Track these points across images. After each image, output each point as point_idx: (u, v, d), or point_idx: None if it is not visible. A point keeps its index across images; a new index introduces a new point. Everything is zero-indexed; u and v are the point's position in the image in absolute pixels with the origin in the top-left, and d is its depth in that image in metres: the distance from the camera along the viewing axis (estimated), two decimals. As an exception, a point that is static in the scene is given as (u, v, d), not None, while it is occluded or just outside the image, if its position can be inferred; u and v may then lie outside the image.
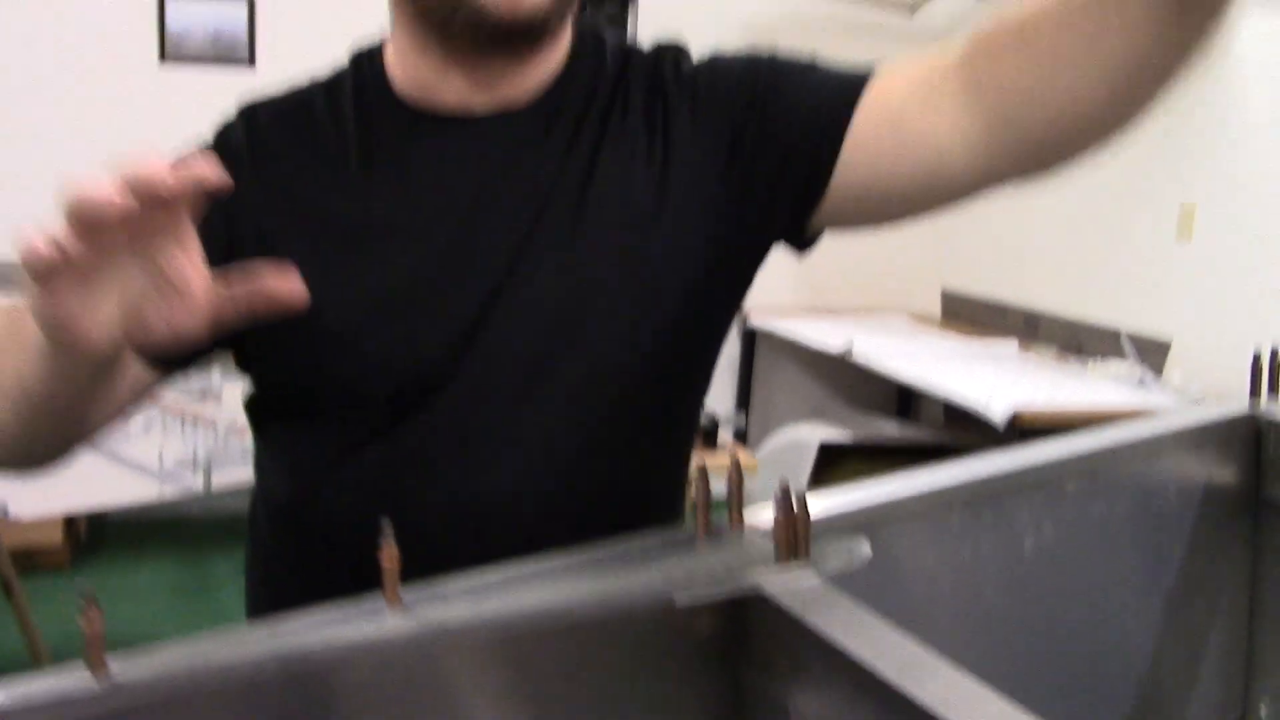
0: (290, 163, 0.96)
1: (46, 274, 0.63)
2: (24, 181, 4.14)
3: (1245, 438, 1.03)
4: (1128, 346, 3.71)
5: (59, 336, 0.68)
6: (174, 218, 0.65)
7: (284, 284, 0.69)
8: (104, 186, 0.61)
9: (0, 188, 4.14)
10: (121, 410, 0.93)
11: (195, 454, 2.18)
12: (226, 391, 2.57)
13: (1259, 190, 3.36)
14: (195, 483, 2.14)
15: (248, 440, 2.37)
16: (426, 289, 0.93)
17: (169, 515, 4.04)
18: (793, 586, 0.70)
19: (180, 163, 0.63)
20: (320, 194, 0.95)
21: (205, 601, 3.67)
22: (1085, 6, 0.81)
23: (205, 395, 2.62)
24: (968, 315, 4.62)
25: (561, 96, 0.98)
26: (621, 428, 0.97)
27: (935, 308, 4.85)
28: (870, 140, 0.92)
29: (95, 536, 4.06)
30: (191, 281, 0.67)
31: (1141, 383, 3.55)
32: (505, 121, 0.96)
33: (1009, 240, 4.42)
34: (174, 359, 0.94)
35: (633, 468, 1.00)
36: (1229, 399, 3.11)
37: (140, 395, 0.94)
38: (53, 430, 0.86)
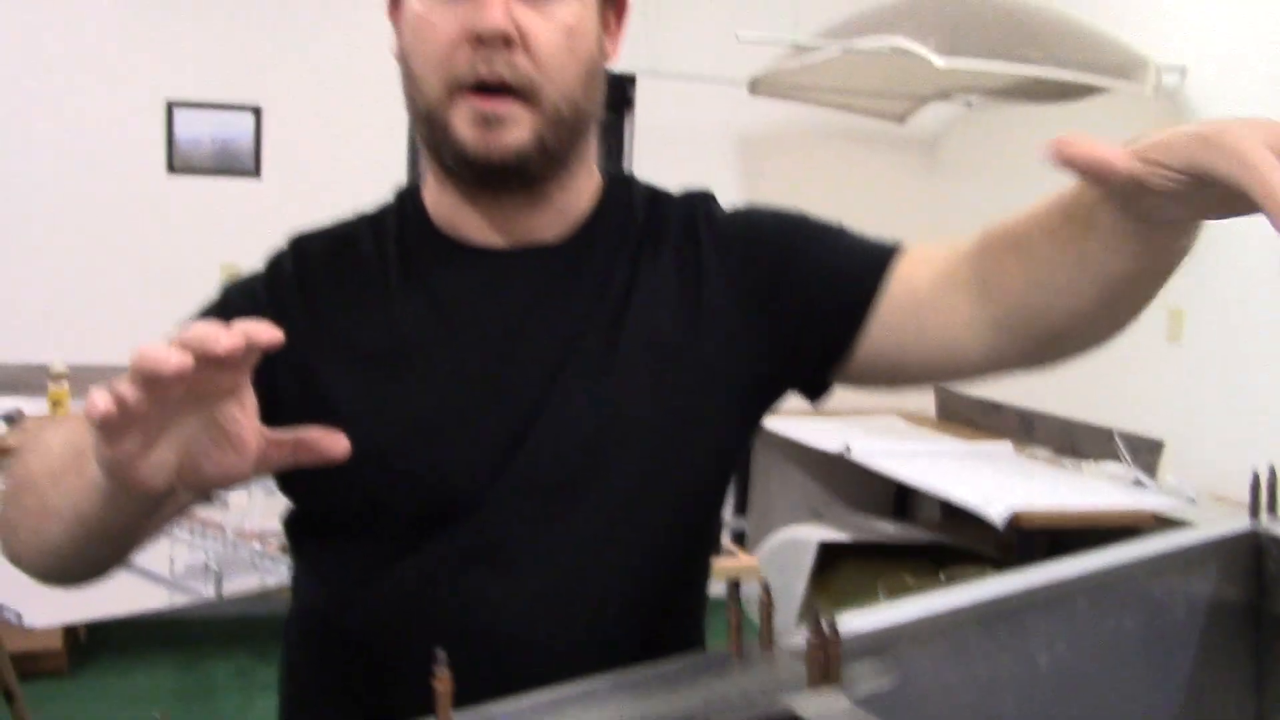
0: (334, 291, 1.03)
1: (109, 429, 0.69)
2: (36, 285, 4.22)
3: (1247, 554, 1.07)
4: (1121, 447, 3.75)
5: (117, 478, 0.73)
6: (233, 377, 0.71)
7: (328, 439, 0.75)
8: (166, 349, 0.66)
9: (13, 290, 4.21)
10: (161, 530, 0.98)
11: (206, 561, 2.20)
12: (233, 499, 2.60)
13: (1245, 293, 3.43)
14: (206, 590, 2.16)
15: (255, 546, 2.39)
16: (459, 414, 0.98)
17: (167, 618, 4.04)
18: (826, 711, 0.74)
19: (237, 327, 0.68)
20: (360, 320, 1.01)
21: (206, 706, 3.65)
22: (1067, 223, 0.88)
23: (213, 502, 2.65)
24: (962, 415, 4.67)
25: (592, 236, 1.05)
26: (646, 550, 1.02)
27: (930, 408, 4.90)
28: (891, 321, 1.00)
29: (95, 639, 4.05)
30: (245, 433, 0.73)
31: (1137, 483, 3.59)
32: (536, 256, 1.03)
33: (1002, 341, 4.48)
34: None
35: (656, 588, 1.04)
36: (1223, 500, 3.13)
37: (179, 515, 0.99)
38: (101, 551, 0.91)
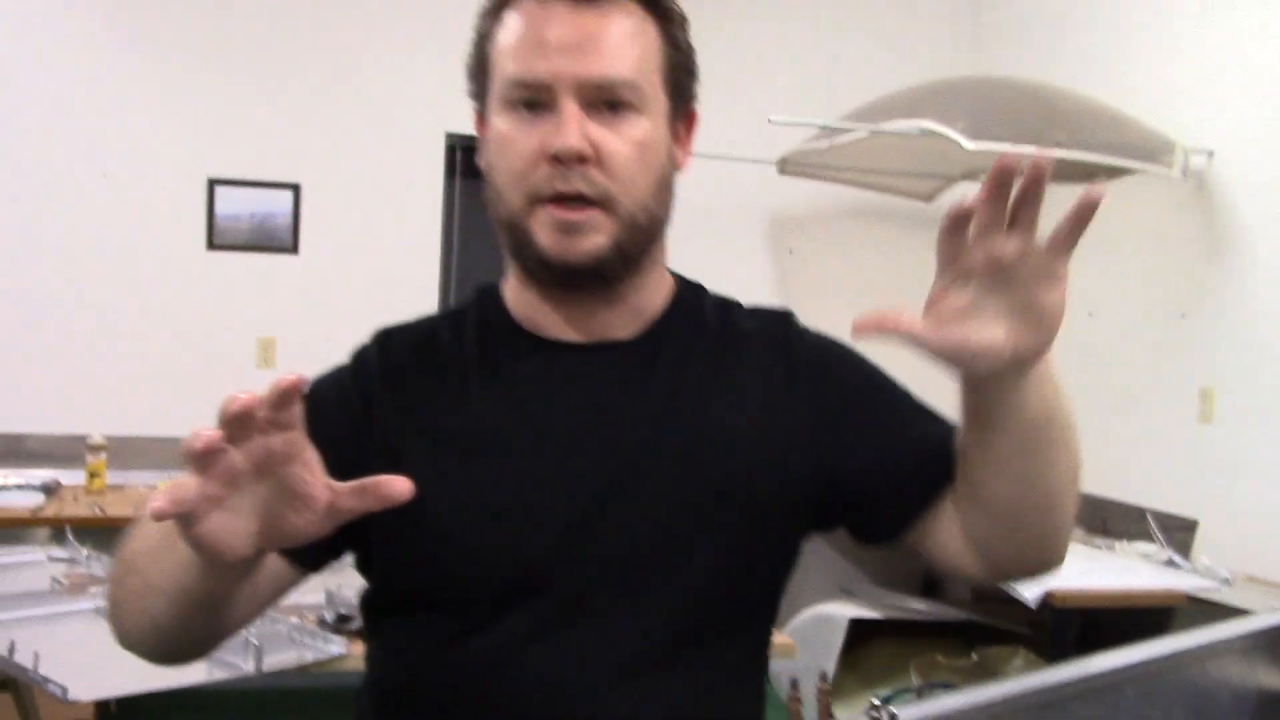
0: (417, 381, 1.09)
1: (203, 461, 0.75)
2: (76, 358, 4.28)
3: (1294, 644, 1.08)
4: (1154, 526, 3.74)
5: (204, 554, 0.80)
6: (287, 439, 0.78)
7: (391, 483, 0.80)
8: (197, 432, 0.75)
9: (54, 362, 4.28)
10: (264, 605, 1.04)
11: (246, 636, 2.22)
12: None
13: (1276, 373, 3.44)
14: (245, 665, 2.17)
15: (294, 621, 2.40)
16: (535, 498, 1.03)
17: (201, 690, 4.03)
18: (888, 798, 0.75)
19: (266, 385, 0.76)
20: (442, 409, 1.07)
21: (236, 781, 3.64)
22: (967, 420, 1.02)
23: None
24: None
25: (664, 334, 1.11)
26: (709, 635, 1.06)
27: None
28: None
29: (125, 710, 4.04)
30: (312, 489, 0.80)
31: (1169, 563, 3.58)
32: (611, 351, 1.09)
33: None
34: (309, 558, 1.04)
35: (721, 673, 1.08)
36: (1257, 581, 3.11)
37: (281, 592, 1.05)
38: (204, 625, 0.96)
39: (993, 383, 0.95)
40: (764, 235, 4.90)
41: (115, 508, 3.75)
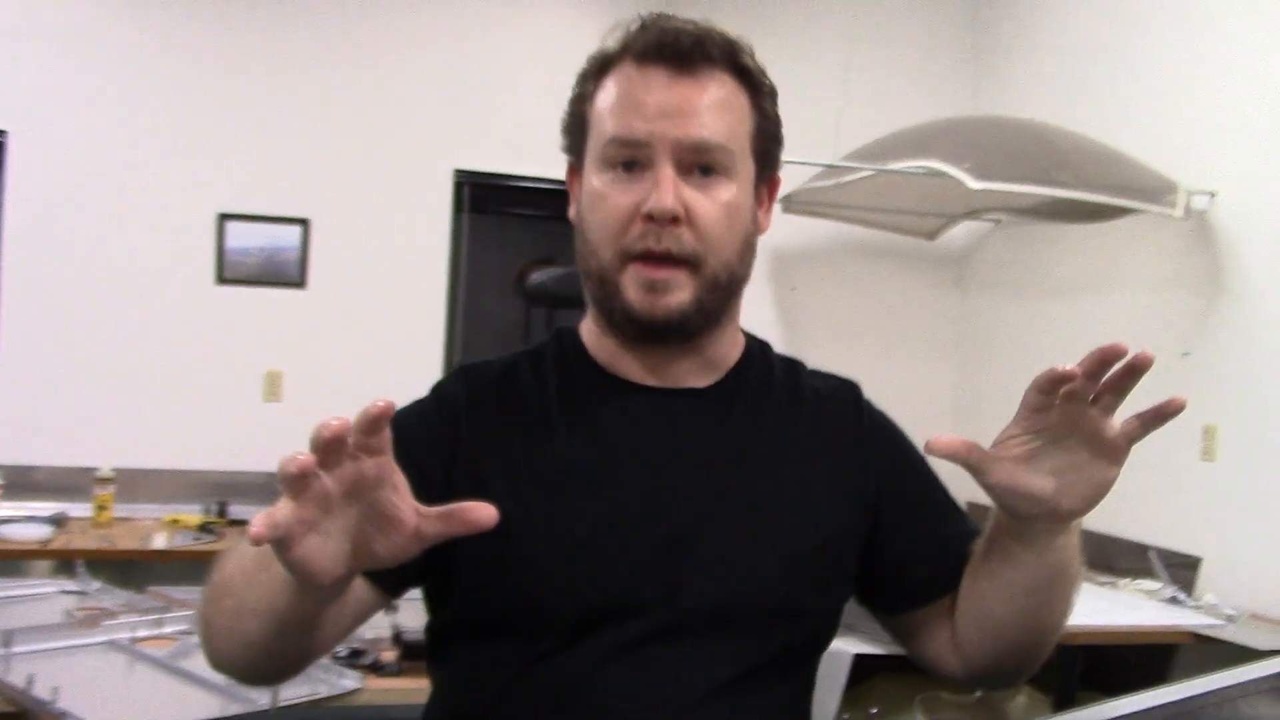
0: (500, 417, 1.13)
1: (297, 485, 0.78)
2: (85, 390, 4.30)
3: (1320, 684, 1.11)
4: (1157, 564, 3.76)
5: (299, 575, 0.83)
6: (377, 465, 0.81)
7: (477, 509, 0.84)
8: (293, 456, 0.78)
9: (63, 395, 4.29)
10: (351, 628, 1.07)
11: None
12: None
13: (1274, 413, 3.47)
14: (261, 699, 2.18)
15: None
16: (619, 531, 1.08)
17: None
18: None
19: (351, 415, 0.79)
20: (525, 444, 1.11)
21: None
22: (985, 550, 1.11)
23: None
24: (995, 528, 4.67)
25: (738, 385, 1.18)
26: (776, 668, 1.12)
27: (962, 520, 4.91)
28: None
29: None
30: (401, 512, 0.83)
31: (1173, 600, 3.59)
32: (688, 397, 1.15)
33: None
34: (393, 583, 1.07)
35: (781, 702, 1.14)
36: (1262, 619, 3.13)
37: (365, 615, 1.08)
38: (296, 644, 0.99)
39: (1025, 525, 1.05)
40: (766, 272, 4.93)
41: (123, 540, 3.75)
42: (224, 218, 4.42)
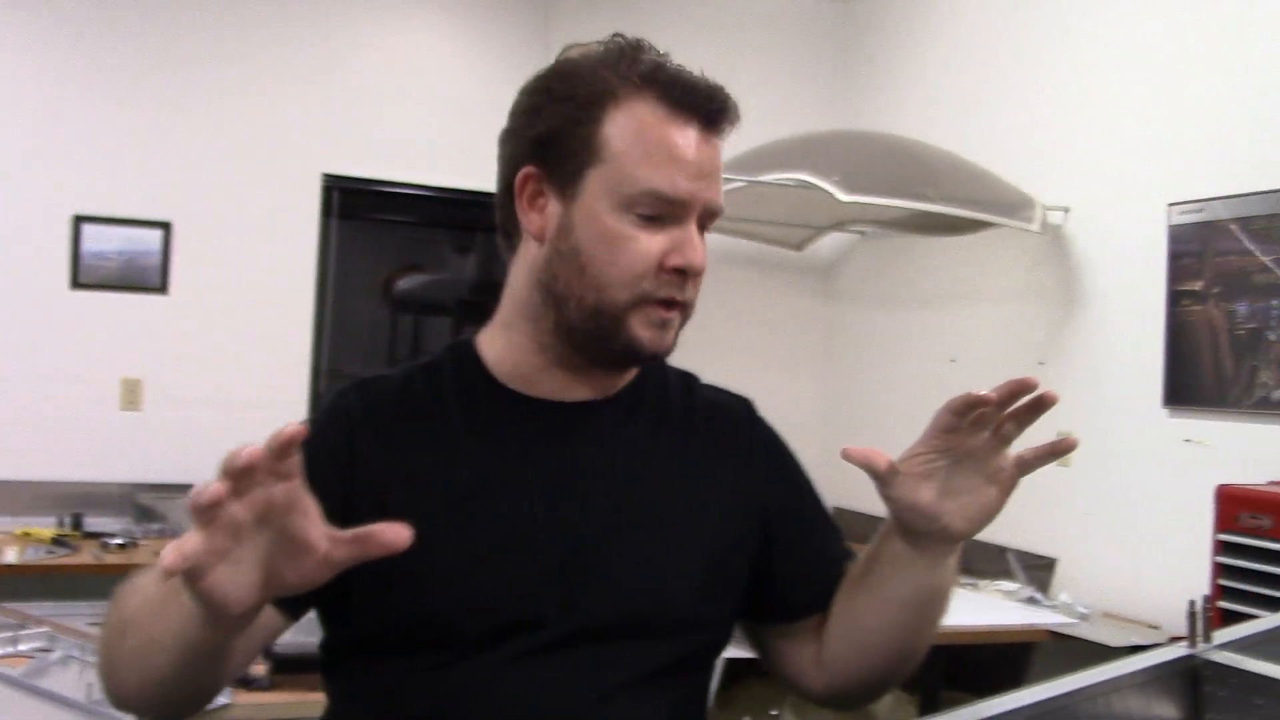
0: (399, 432, 1.13)
1: (208, 515, 0.78)
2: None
3: (1185, 677, 1.17)
4: (1015, 565, 3.90)
5: (211, 606, 0.82)
6: (286, 490, 0.81)
7: (390, 530, 0.84)
8: (205, 486, 0.78)
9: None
10: (255, 654, 1.07)
11: (98, 657, 2.16)
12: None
13: (1126, 421, 3.63)
14: (122, 716, 2.11)
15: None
16: (525, 545, 1.09)
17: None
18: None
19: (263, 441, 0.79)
20: (425, 458, 1.11)
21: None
22: (868, 562, 1.17)
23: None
24: (860, 534, 4.78)
25: (637, 397, 1.20)
26: (679, 670, 1.15)
27: (828, 525, 5.01)
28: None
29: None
30: (312, 537, 0.83)
31: (1030, 600, 3.73)
32: (591, 409, 1.16)
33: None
34: (296, 606, 1.07)
35: (682, 703, 1.16)
36: (1113, 616, 3.26)
37: (269, 639, 1.08)
38: (205, 675, 0.98)
39: (913, 542, 1.11)
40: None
41: (-28, 555, 3.60)
42: (80, 220, 4.26)
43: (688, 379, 1.27)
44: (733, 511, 1.20)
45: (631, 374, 1.20)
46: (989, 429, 1.05)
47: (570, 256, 1.10)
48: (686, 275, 1.10)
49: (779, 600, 1.24)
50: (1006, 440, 1.06)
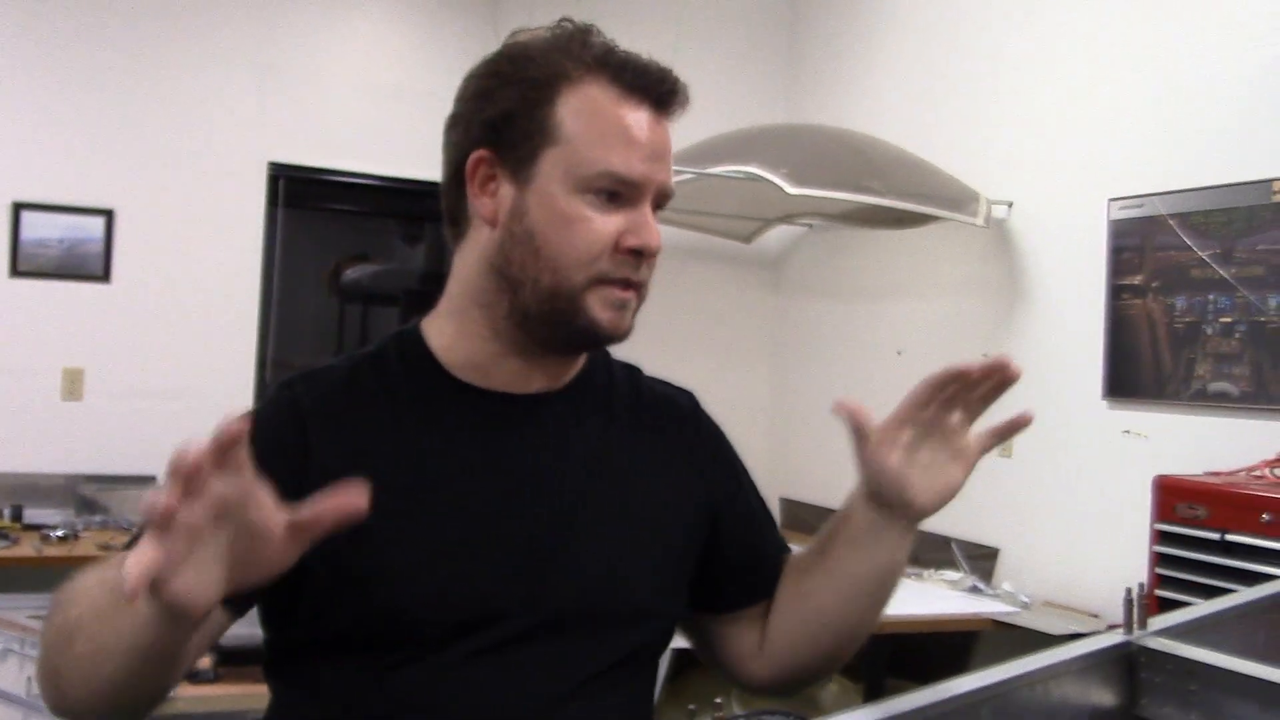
0: (350, 423, 1.11)
1: (164, 523, 0.77)
2: None
3: (1122, 664, 1.19)
4: (958, 554, 3.95)
5: (175, 611, 0.82)
6: (239, 483, 0.81)
7: (346, 498, 0.84)
8: (158, 493, 0.77)
9: None
10: (201, 653, 1.05)
11: (38, 665, 2.14)
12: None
13: (1068, 414, 3.69)
14: (65, 714, 2.09)
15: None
16: (481, 538, 1.09)
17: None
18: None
19: (206, 440, 0.78)
20: (377, 451, 1.10)
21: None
22: (829, 538, 1.20)
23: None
24: (808, 524, 4.82)
25: (586, 387, 1.20)
26: (634, 663, 1.16)
27: (776, 517, 5.05)
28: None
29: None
30: (271, 525, 0.83)
31: (974, 589, 3.78)
32: (542, 401, 1.16)
33: (848, 453, 4.66)
34: (241, 602, 1.04)
35: (638, 694, 1.18)
36: (1053, 605, 3.31)
37: (216, 637, 1.06)
38: (155, 679, 0.96)
39: (877, 515, 1.16)
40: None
41: (-93, 548, 3.54)
42: (19, 207, 4.19)
43: (631, 371, 1.28)
44: (682, 504, 1.21)
45: (579, 365, 1.20)
46: (958, 407, 1.10)
47: (525, 239, 1.10)
48: (643, 256, 1.10)
49: (722, 589, 1.25)
50: (972, 418, 1.11)
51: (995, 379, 1.08)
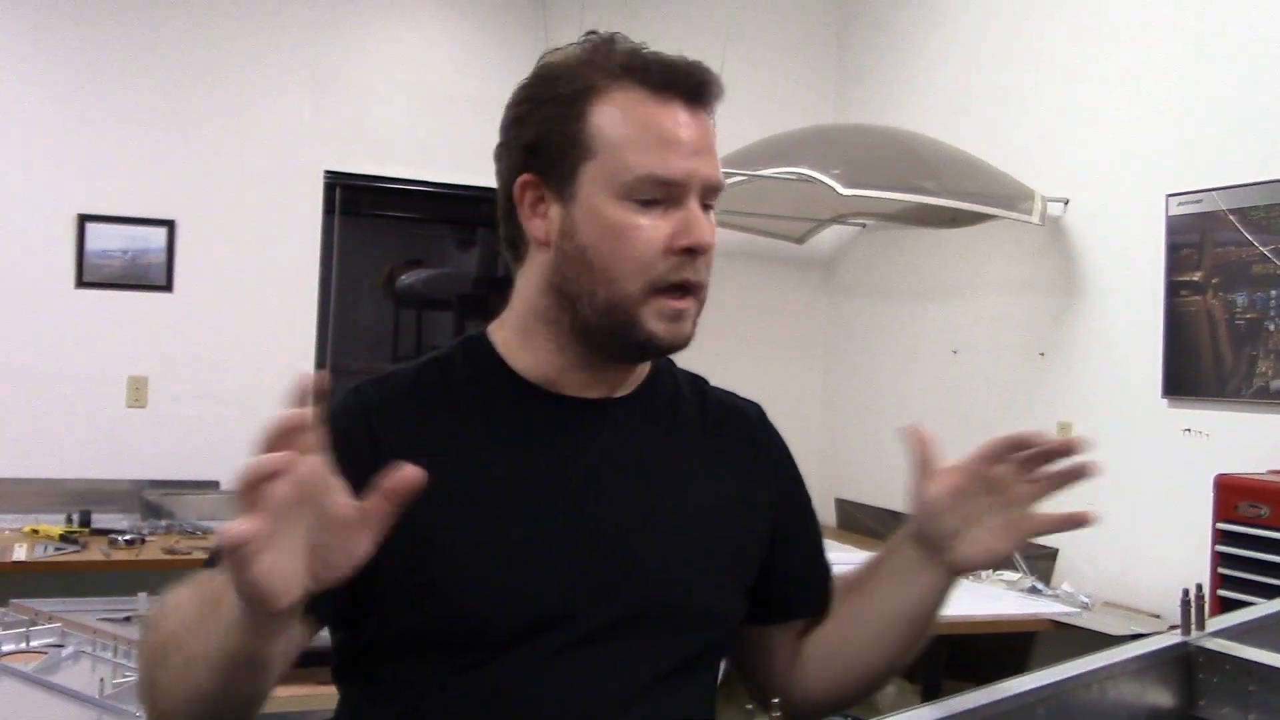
0: (419, 427, 1.13)
1: (254, 494, 0.80)
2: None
3: (1180, 664, 1.19)
4: (1017, 555, 3.91)
5: (256, 597, 0.83)
6: (320, 469, 0.84)
7: (402, 476, 0.86)
8: (258, 459, 0.80)
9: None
10: (286, 667, 1.05)
11: (138, 681, 2.18)
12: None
13: (1126, 409, 3.65)
14: (138, 711, 2.13)
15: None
16: (551, 541, 1.10)
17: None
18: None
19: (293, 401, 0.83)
20: (445, 455, 1.10)
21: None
22: (870, 571, 1.21)
23: (132, 620, 2.62)
24: (863, 525, 4.81)
25: (651, 395, 1.22)
26: (699, 666, 1.17)
27: (831, 517, 5.04)
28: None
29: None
30: (349, 512, 0.85)
31: (1033, 590, 3.75)
32: (610, 406, 1.18)
33: (902, 452, 4.63)
34: (324, 611, 1.06)
35: (703, 697, 1.18)
36: (1114, 605, 3.28)
37: (298, 649, 1.06)
38: (246, 687, 0.97)
39: (925, 552, 1.15)
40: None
41: (-18, 553, 3.62)
42: (84, 219, 4.28)
43: (698, 381, 1.29)
44: (745, 510, 1.22)
45: (644, 373, 1.21)
46: (1026, 475, 1.10)
47: (577, 255, 1.10)
48: (696, 254, 1.09)
49: (767, 601, 1.25)
50: (1038, 494, 1.12)
51: (1068, 459, 1.09)
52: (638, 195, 1.08)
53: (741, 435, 1.27)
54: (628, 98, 1.10)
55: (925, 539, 1.14)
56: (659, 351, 1.15)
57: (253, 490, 0.79)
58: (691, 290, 1.11)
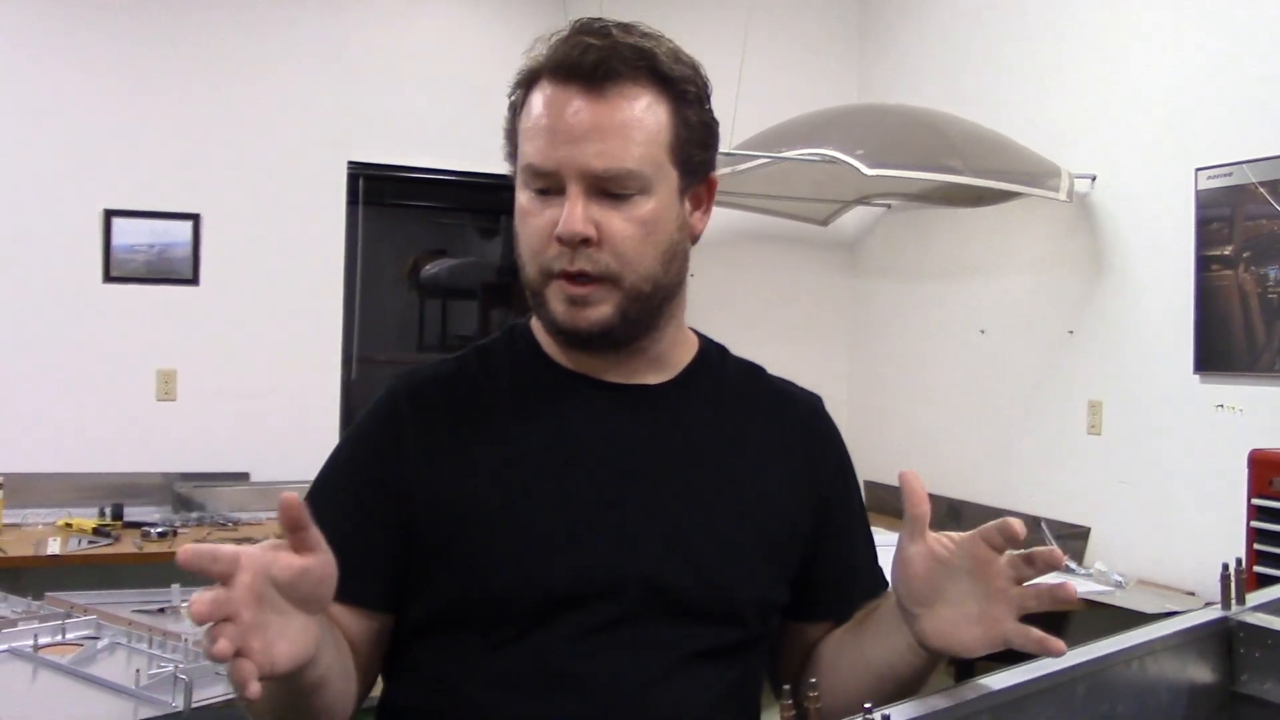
0: (451, 414, 1.16)
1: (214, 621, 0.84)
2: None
3: (1219, 639, 1.17)
4: (1048, 534, 3.90)
5: (265, 677, 0.87)
6: (262, 563, 0.88)
7: (283, 506, 0.89)
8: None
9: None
10: (368, 666, 1.13)
11: (175, 672, 2.19)
12: (185, 608, 2.59)
13: (1157, 386, 3.62)
14: (175, 701, 2.14)
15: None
16: (581, 522, 1.11)
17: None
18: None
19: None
20: (478, 439, 1.14)
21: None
22: (865, 619, 1.19)
23: (166, 612, 2.64)
24: (892, 506, 4.79)
25: (691, 384, 1.22)
26: (726, 656, 1.16)
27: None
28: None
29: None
30: (294, 567, 0.90)
31: (1066, 569, 3.73)
32: (641, 393, 1.18)
33: (929, 434, 4.64)
34: (380, 598, 1.13)
35: (735, 686, 1.17)
36: (1148, 584, 3.25)
37: (376, 645, 1.14)
38: (318, 707, 1.03)
39: (899, 618, 1.09)
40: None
41: (13, 547, 3.65)
42: (110, 214, 4.30)
43: (751, 369, 1.29)
44: (791, 499, 1.21)
45: (682, 360, 1.22)
46: (1014, 573, 1.05)
47: (516, 238, 1.15)
48: (568, 245, 1.08)
49: (807, 597, 1.24)
50: (1024, 603, 1.06)
51: (1061, 595, 1.05)
52: (530, 185, 1.11)
53: (794, 423, 1.26)
54: (541, 87, 1.11)
55: (899, 600, 1.08)
56: (567, 335, 1.13)
57: (209, 617, 0.83)
58: (589, 279, 1.09)
